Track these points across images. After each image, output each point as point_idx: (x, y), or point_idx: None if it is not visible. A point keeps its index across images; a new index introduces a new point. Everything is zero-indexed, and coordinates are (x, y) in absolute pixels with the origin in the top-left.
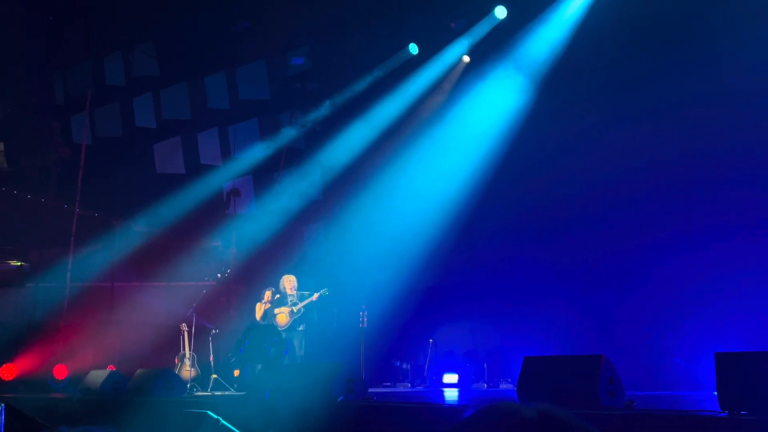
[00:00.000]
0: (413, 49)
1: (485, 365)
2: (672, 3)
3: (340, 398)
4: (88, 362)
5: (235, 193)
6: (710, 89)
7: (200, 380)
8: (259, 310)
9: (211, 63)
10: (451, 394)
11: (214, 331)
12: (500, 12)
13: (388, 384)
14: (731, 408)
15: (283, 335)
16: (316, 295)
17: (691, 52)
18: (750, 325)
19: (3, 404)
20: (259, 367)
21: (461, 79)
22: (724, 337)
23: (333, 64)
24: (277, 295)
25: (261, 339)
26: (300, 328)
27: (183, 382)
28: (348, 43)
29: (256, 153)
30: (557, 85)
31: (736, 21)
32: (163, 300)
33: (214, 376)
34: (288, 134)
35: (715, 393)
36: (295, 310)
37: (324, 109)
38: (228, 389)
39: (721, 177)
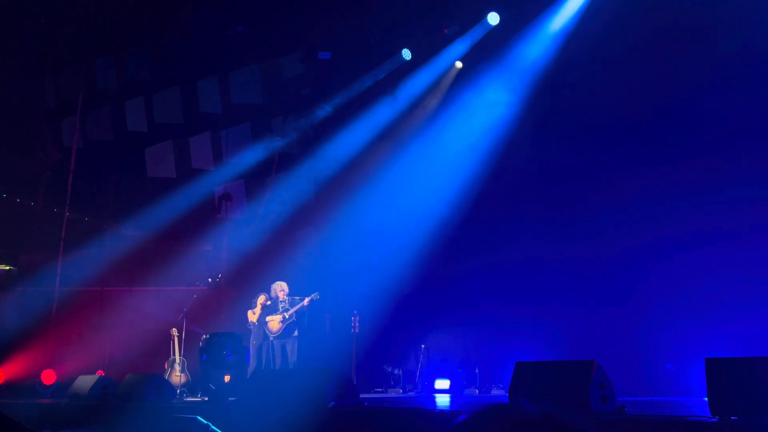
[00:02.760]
0: (406, 54)
1: (477, 371)
2: (664, 11)
3: (332, 404)
4: (76, 367)
5: (226, 197)
6: (706, 94)
7: (190, 385)
8: (252, 316)
9: (204, 67)
10: (442, 400)
11: (204, 336)
12: (493, 18)
13: (380, 390)
14: (722, 413)
15: (275, 342)
16: (306, 300)
17: (683, 58)
18: (740, 331)
19: None
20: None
21: (454, 84)
22: (715, 342)
23: (326, 69)
24: (269, 302)
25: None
26: (294, 334)
27: (173, 388)
28: (342, 48)
29: (248, 157)
30: (550, 91)
31: (732, 28)
32: (153, 305)
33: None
34: (280, 139)
35: (706, 399)
36: (287, 316)
37: (316, 115)
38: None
39: (713, 184)
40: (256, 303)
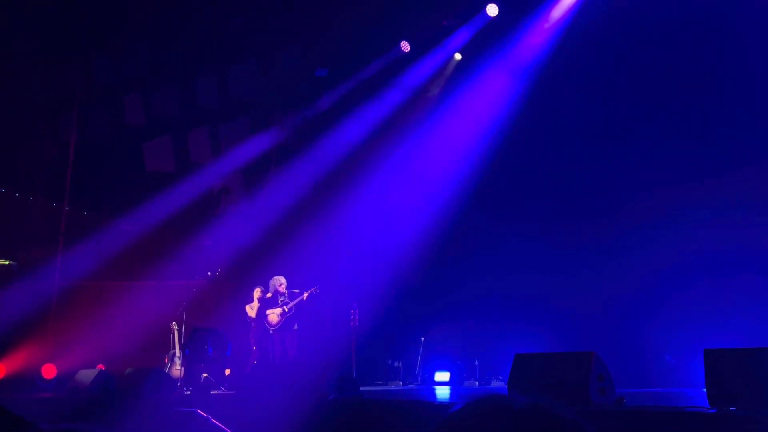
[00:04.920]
0: (404, 48)
1: (477, 363)
2: (663, 3)
3: (331, 396)
4: (77, 361)
5: (225, 191)
6: (703, 82)
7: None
8: (251, 310)
9: (202, 61)
10: (442, 392)
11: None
12: (492, 10)
13: (380, 382)
14: (720, 404)
15: (274, 335)
16: (306, 294)
17: (683, 47)
18: (739, 322)
19: None
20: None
21: (453, 76)
22: (714, 334)
23: (325, 61)
24: (269, 294)
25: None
26: (294, 328)
27: (173, 381)
28: (340, 40)
29: (247, 151)
30: (550, 85)
31: (733, 22)
32: (152, 299)
33: (205, 375)
34: (279, 132)
35: (705, 389)
36: (286, 310)
37: (315, 108)
38: (218, 388)
39: (711, 176)
40: (253, 297)
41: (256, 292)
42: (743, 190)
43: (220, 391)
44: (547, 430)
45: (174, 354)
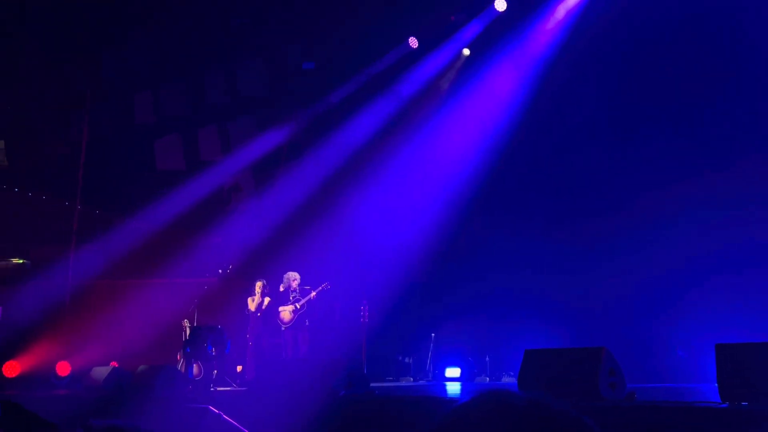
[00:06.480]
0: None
1: (487, 359)
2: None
3: (342, 393)
4: (90, 359)
5: (235, 188)
6: (707, 82)
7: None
8: (251, 303)
9: (210, 59)
10: (453, 388)
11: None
12: (500, 5)
13: (391, 378)
14: (732, 399)
15: (287, 331)
16: (313, 294)
17: (688, 47)
18: (751, 317)
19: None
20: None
21: (461, 72)
22: (726, 328)
23: (333, 58)
24: (282, 288)
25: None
26: (306, 324)
27: (185, 378)
28: (348, 36)
29: (257, 148)
30: (557, 81)
31: (737, 21)
32: (164, 296)
33: (215, 371)
34: (288, 129)
35: (717, 384)
36: (298, 306)
37: (324, 104)
38: (230, 384)
39: (720, 170)
40: (255, 290)
41: (258, 286)
42: (753, 186)
43: (232, 388)
44: (548, 426)
45: None
